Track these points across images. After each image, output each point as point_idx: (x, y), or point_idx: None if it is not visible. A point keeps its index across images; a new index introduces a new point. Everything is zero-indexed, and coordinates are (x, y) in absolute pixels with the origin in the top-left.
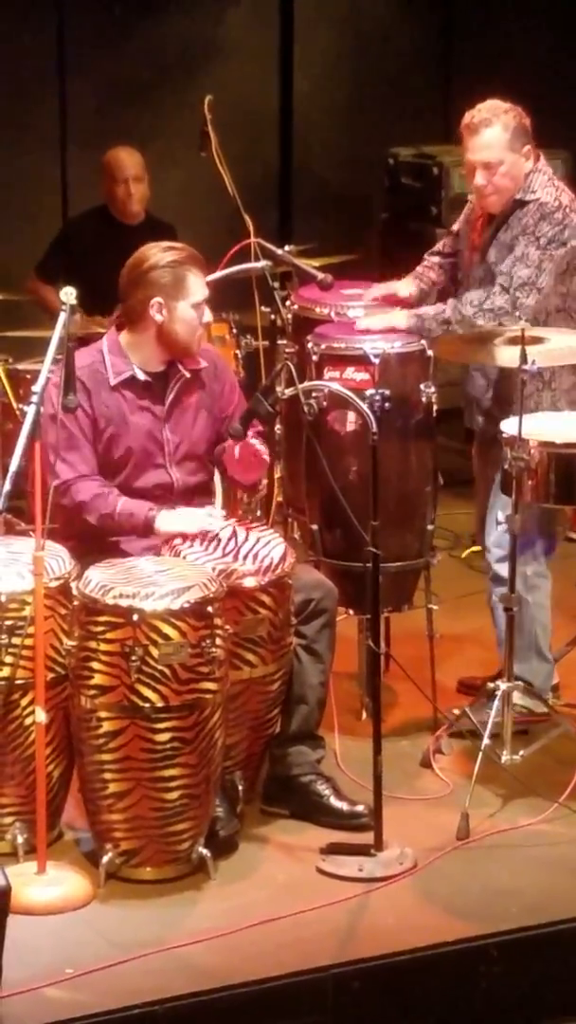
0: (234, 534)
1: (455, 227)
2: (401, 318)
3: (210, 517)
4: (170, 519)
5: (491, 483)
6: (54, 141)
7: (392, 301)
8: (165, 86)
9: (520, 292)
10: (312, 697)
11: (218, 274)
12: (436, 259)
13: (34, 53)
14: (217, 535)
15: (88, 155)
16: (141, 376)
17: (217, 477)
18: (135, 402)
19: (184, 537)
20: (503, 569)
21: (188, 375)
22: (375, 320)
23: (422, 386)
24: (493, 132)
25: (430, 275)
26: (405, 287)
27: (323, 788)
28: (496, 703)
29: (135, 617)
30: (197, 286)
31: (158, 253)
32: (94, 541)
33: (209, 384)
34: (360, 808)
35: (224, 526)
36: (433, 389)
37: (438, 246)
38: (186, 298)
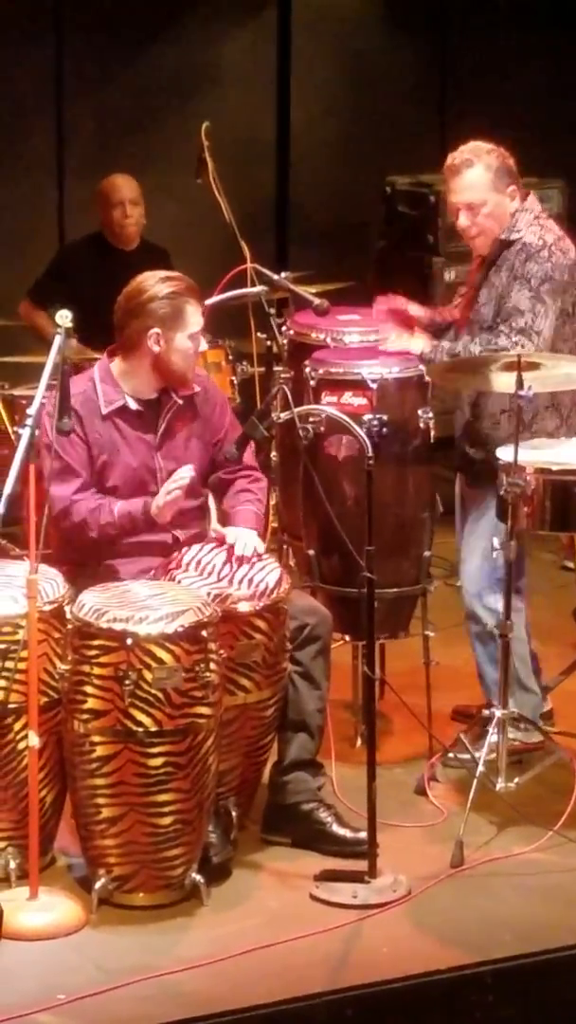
0: (229, 559)
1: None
2: (419, 344)
3: (179, 478)
4: (158, 502)
5: (465, 517)
6: (51, 168)
7: (399, 317)
8: (162, 114)
9: (521, 337)
10: (310, 724)
11: (214, 299)
12: (458, 300)
13: (32, 80)
14: (212, 561)
15: (85, 182)
16: (133, 405)
17: (212, 501)
18: (128, 431)
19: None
20: (476, 605)
21: (181, 402)
22: (395, 341)
23: (420, 412)
24: (475, 173)
25: (450, 313)
26: (417, 308)
27: (325, 816)
28: (491, 731)
29: (129, 641)
30: (194, 317)
31: (156, 284)
32: (88, 565)
33: (201, 409)
34: (363, 835)
35: (191, 475)
36: (431, 415)
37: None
38: (183, 329)
